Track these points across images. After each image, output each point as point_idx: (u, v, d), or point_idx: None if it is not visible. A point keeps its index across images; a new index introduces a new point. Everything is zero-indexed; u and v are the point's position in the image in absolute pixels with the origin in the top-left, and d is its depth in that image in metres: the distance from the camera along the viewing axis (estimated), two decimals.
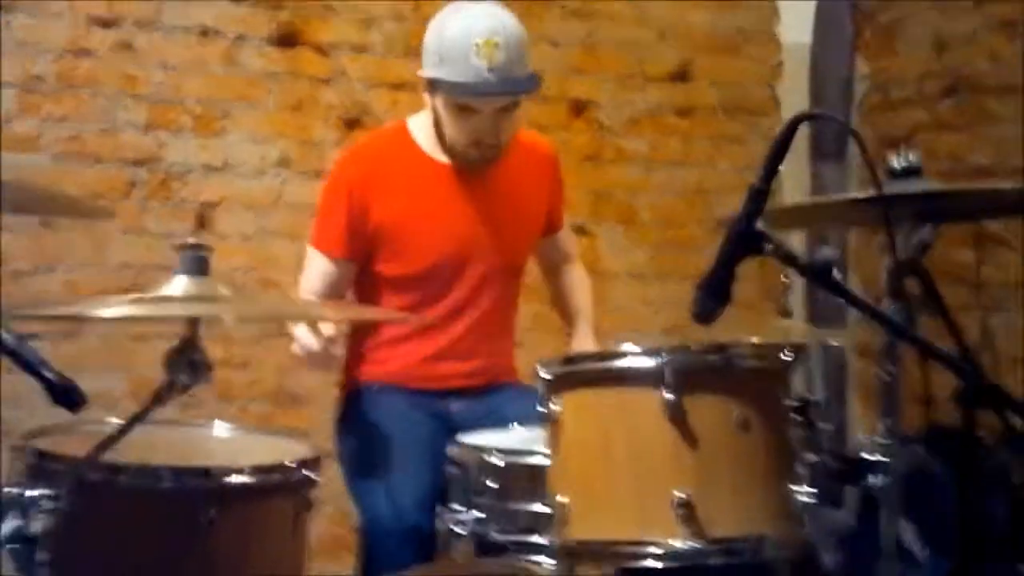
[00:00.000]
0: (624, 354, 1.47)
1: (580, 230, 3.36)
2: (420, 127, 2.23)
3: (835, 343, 1.83)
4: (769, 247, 1.36)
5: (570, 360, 1.53)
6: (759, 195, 1.36)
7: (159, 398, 1.35)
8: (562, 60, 3.42)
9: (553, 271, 2.46)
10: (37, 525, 1.22)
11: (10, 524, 1.19)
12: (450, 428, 2.04)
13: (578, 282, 2.46)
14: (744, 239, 1.38)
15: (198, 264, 1.37)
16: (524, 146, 2.29)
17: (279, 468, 1.71)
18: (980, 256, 3.06)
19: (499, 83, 2.03)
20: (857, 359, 3.36)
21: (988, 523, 2.74)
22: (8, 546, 1.22)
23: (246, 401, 3.02)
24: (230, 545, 1.63)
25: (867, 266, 3.64)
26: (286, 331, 3.04)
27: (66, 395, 1.69)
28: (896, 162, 1.60)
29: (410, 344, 2.23)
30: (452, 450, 1.89)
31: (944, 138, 3.34)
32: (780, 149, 1.34)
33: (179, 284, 1.37)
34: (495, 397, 2.24)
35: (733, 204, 1.34)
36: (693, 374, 1.43)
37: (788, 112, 3.72)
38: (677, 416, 1.41)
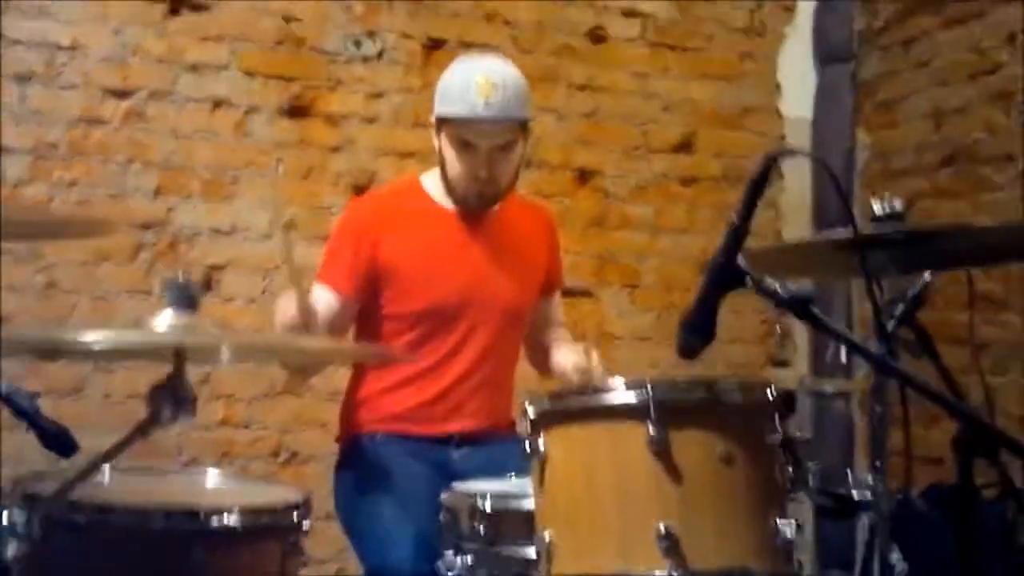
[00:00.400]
0: (610, 389, 1.48)
1: (585, 293, 3.40)
2: (430, 179, 2.33)
3: (832, 390, 1.82)
4: (749, 282, 1.38)
5: (557, 396, 1.53)
6: (737, 232, 1.39)
7: (141, 431, 1.36)
8: (568, 131, 3.50)
9: (539, 333, 2.46)
10: (11, 550, 1.21)
11: None
12: (449, 477, 2.05)
13: (567, 339, 2.47)
14: (724, 275, 1.40)
15: (185, 298, 1.39)
16: (524, 205, 2.43)
17: (268, 511, 1.70)
18: (975, 313, 3.06)
19: (494, 116, 2.14)
20: (861, 412, 3.37)
21: None
22: None
23: (247, 460, 3.02)
24: None
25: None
26: (288, 390, 3.13)
27: (58, 441, 1.72)
28: (879, 207, 1.63)
29: (409, 388, 2.25)
30: (444, 497, 1.90)
31: (943, 205, 3.38)
32: (757, 186, 1.37)
33: (166, 317, 1.38)
34: (494, 448, 2.25)
35: None
36: (678, 408, 1.44)
37: (791, 184, 3.78)
38: (661, 450, 1.42)
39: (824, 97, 3.83)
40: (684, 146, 3.67)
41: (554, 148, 3.46)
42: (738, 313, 3.52)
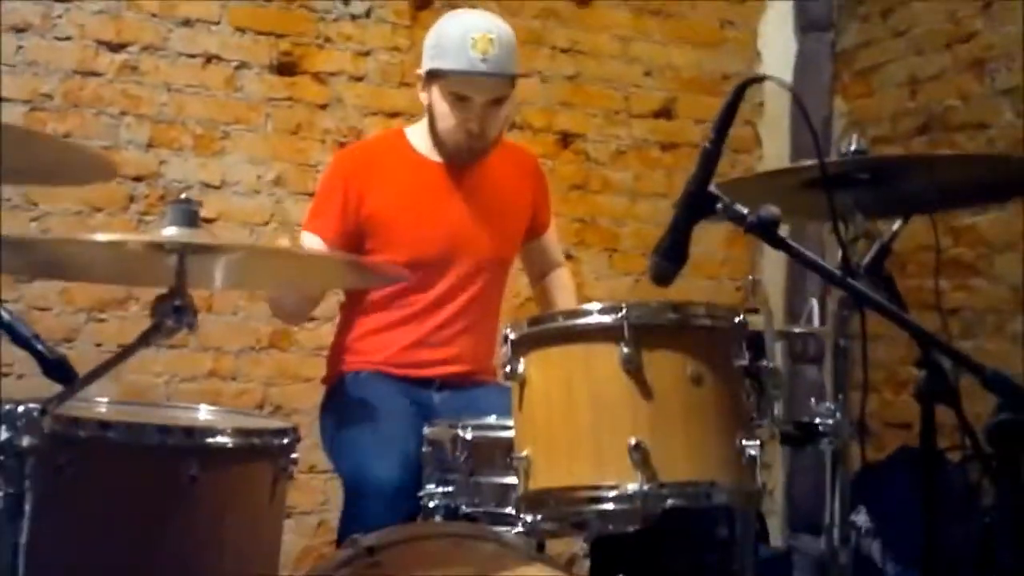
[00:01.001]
0: (586, 312, 1.56)
1: (566, 255, 3.47)
2: (415, 132, 2.39)
3: (800, 331, 1.91)
4: (720, 207, 1.46)
5: (536, 320, 1.61)
6: (710, 157, 1.46)
7: (145, 339, 1.43)
8: (550, 95, 3.56)
9: (540, 276, 2.58)
10: (27, 439, 1.28)
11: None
12: (430, 418, 2.11)
13: (564, 283, 2.57)
14: (697, 200, 1.47)
15: (187, 215, 1.46)
16: (508, 149, 2.48)
17: (259, 432, 1.78)
18: (943, 279, 3.16)
19: (492, 71, 2.20)
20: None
21: (956, 546, 2.79)
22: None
23: None
24: (211, 504, 1.69)
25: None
26: (274, 345, 3.20)
27: (57, 367, 1.78)
28: (845, 145, 1.70)
29: (394, 333, 2.32)
30: (427, 431, 1.97)
31: None
32: (729, 112, 1.44)
33: (169, 232, 1.45)
34: (476, 392, 2.33)
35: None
36: (650, 330, 1.52)
37: (770, 150, 3.87)
38: (634, 368, 1.49)
39: (803, 65, 3.91)
40: (664, 112, 3.74)
41: (537, 111, 3.53)
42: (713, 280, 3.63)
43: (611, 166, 3.63)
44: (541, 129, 3.53)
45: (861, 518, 3.27)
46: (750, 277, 1.71)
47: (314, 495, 3.12)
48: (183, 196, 1.47)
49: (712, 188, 1.47)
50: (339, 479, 2.28)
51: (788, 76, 3.90)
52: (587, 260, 3.54)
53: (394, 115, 3.29)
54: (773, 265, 3.69)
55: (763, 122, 3.87)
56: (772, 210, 1.43)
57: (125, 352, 1.44)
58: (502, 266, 2.43)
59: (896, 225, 1.86)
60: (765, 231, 1.42)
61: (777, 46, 3.92)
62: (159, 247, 1.48)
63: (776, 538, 3.56)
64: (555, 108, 3.57)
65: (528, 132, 3.49)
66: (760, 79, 1.68)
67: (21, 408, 1.29)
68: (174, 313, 1.44)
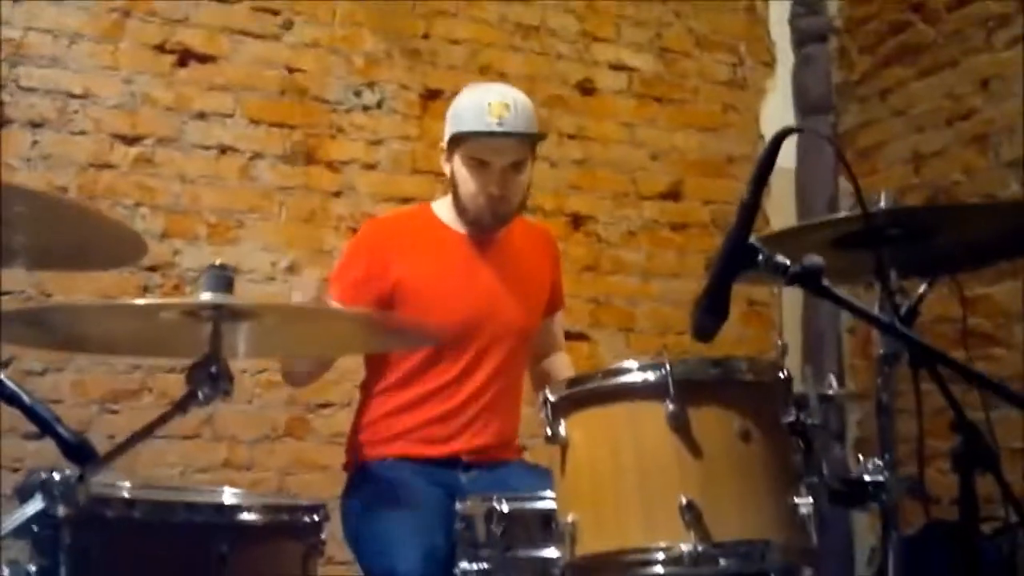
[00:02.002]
0: (628, 370, 1.53)
1: (581, 336, 3.46)
2: (441, 205, 2.41)
3: (831, 392, 1.88)
4: (761, 259, 1.45)
5: (576, 381, 1.58)
6: (748, 210, 1.46)
7: (181, 407, 1.40)
8: (559, 178, 3.60)
9: (540, 358, 2.54)
10: (63, 508, 1.23)
11: (35, 505, 1.21)
12: (460, 499, 2.07)
13: (567, 364, 2.55)
14: (737, 253, 1.46)
15: (223, 282, 1.44)
16: (526, 225, 2.50)
17: (288, 508, 1.74)
18: (967, 351, 3.14)
19: (507, 133, 2.23)
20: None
21: None
22: (33, 529, 1.23)
23: None
24: None
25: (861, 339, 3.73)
26: (290, 433, 3.15)
27: (79, 450, 1.75)
28: (873, 204, 1.70)
29: (418, 410, 2.28)
30: (459, 506, 1.91)
31: None
32: (767, 163, 1.44)
33: (204, 296, 1.43)
34: (504, 469, 2.28)
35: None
36: (694, 386, 1.49)
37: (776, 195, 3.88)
38: (681, 425, 1.46)
39: (806, 147, 3.96)
40: (672, 193, 3.78)
41: (547, 194, 3.56)
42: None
43: (623, 247, 3.65)
44: (552, 212, 3.55)
45: None
46: (779, 341, 1.68)
47: None
48: (218, 263, 1.46)
49: (752, 241, 1.46)
50: (360, 572, 2.20)
51: (792, 158, 3.96)
52: (603, 340, 3.52)
53: (406, 201, 3.30)
54: (789, 338, 3.67)
55: (770, 203, 3.89)
56: (815, 259, 1.41)
57: (160, 420, 1.41)
58: (526, 339, 2.41)
59: (922, 288, 1.86)
60: (809, 281, 1.41)
61: (779, 129, 3.97)
62: (194, 313, 1.46)
63: None
64: (565, 191, 3.60)
65: (539, 215, 3.50)
66: (797, 130, 1.68)
67: (57, 476, 1.24)
68: (209, 380, 1.41)
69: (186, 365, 1.46)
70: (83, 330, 1.57)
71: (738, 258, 1.46)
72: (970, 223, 1.72)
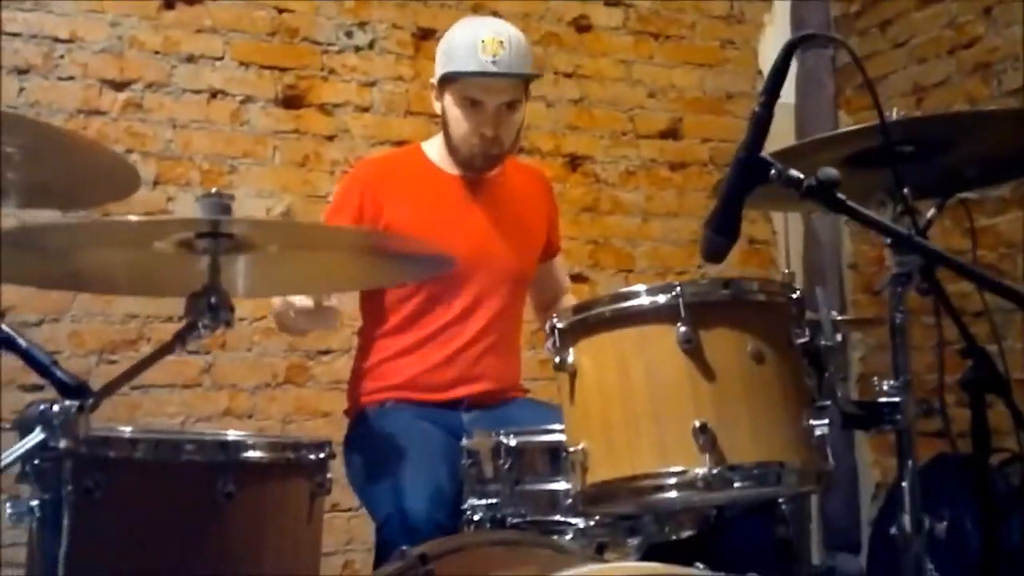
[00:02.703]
0: (637, 293, 1.49)
1: (580, 277, 3.42)
2: (432, 146, 2.35)
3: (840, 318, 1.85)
4: (773, 173, 1.41)
5: (583, 307, 1.54)
6: (761, 122, 1.42)
7: (181, 339, 1.36)
8: (556, 118, 3.54)
9: (550, 302, 2.51)
10: (64, 441, 1.20)
11: (35, 437, 1.18)
12: (461, 440, 2.04)
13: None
14: (749, 168, 1.42)
15: (220, 209, 1.40)
16: (522, 168, 2.46)
17: (294, 446, 1.70)
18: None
19: (503, 72, 2.16)
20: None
21: (1008, 547, 2.71)
22: (34, 463, 1.20)
23: None
24: (248, 520, 1.61)
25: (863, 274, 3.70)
26: (291, 380, 3.12)
27: (79, 392, 1.71)
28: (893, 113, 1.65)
29: (416, 355, 2.25)
30: (466, 443, 1.89)
31: None
32: (779, 73, 1.40)
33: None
34: (506, 408, 2.25)
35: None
36: (705, 307, 1.45)
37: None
38: (693, 348, 1.43)
39: (805, 82, 3.90)
40: (671, 132, 3.73)
41: (544, 135, 3.51)
42: None
43: (621, 187, 3.60)
44: (549, 153, 3.50)
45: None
46: (786, 270, 1.64)
47: (338, 535, 3.02)
48: (213, 190, 1.41)
49: (764, 155, 1.42)
50: (364, 517, 2.18)
51: (791, 93, 3.90)
52: (602, 281, 3.48)
53: (401, 144, 3.24)
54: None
55: (769, 138, 3.84)
56: (830, 172, 1.38)
57: (160, 352, 1.37)
58: (523, 281, 2.37)
59: (931, 212, 1.82)
60: (825, 194, 1.37)
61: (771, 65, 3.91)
62: (190, 244, 1.41)
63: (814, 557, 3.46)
64: (562, 131, 3.55)
65: (536, 156, 3.46)
66: (809, 36, 1.63)
67: (56, 407, 1.21)
68: (209, 311, 1.37)
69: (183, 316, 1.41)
70: (78, 261, 1.52)
71: (750, 173, 1.42)
72: (989, 132, 1.66)
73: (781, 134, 4.29)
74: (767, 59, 3.93)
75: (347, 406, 2.37)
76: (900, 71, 3.67)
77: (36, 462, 1.22)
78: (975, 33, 3.43)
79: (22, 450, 1.14)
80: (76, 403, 1.21)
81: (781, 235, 3.82)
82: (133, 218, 1.39)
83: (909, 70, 3.64)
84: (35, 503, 1.24)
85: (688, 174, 3.71)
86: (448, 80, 2.21)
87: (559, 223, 2.53)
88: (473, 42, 2.17)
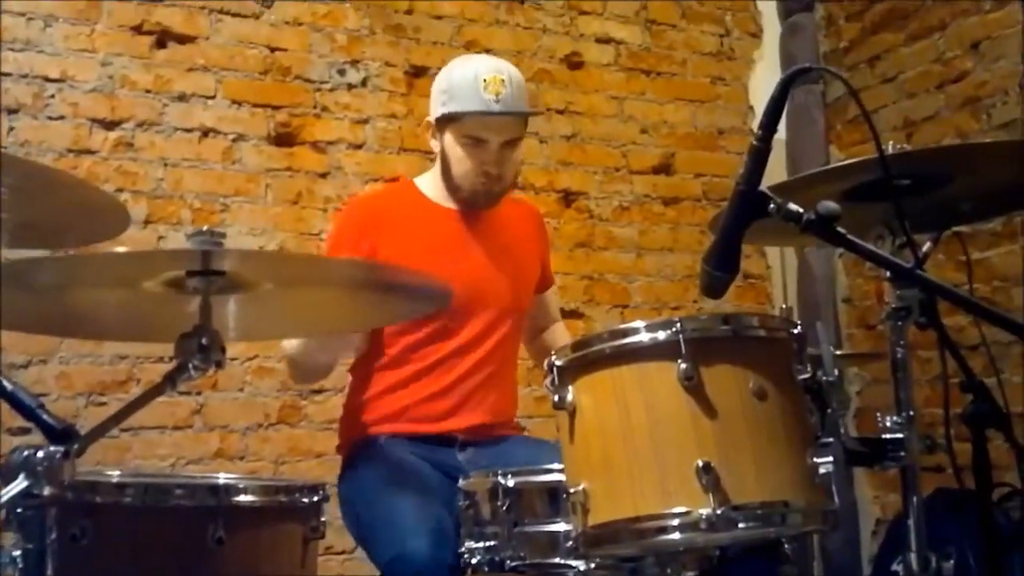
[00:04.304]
0: (636, 329, 1.47)
1: (575, 313, 3.41)
2: (425, 181, 2.34)
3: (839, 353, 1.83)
4: (772, 207, 1.39)
5: (581, 344, 1.52)
6: (759, 155, 1.40)
7: (171, 380, 1.33)
8: (550, 155, 3.54)
9: (539, 331, 2.50)
10: (48, 488, 1.16)
11: (19, 484, 1.14)
12: (457, 479, 2.00)
13: (565, 333, 2.51)
14: (748, 201, 1.40)
15: (211, 246, 1.37)
16: (515, 202, 2.45)
17: (287, 489, 1.67)
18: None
19: (506, 111, 2.16)
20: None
21: None
22: (16, 511, 1.16)
23: None
24: (239, 566, 1.58)
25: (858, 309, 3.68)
26: (284, 421, 3.08)
27: (65, 436, 1.68)
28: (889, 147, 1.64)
29: (412, 387, 2.22)
30: (463, 483, 1.86)
31: None
32: (776, 106, 1.39)
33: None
34: (502, 446, 2.23)
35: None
36: (706, 343, 1.43)
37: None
38: (694, 385, 1.40)
39: (796, 118, 3.91)
40: (663, 167, 3.73)
41: (538, 171, 3.50)
42: None
43: (615, 222, 3.59)
44: (543, 188, 3.49)
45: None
46: (783, 305, 1.62)
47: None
48: (204, 228, 1.39)
49: (763, 188, 1.40)
50: (358, 561, 2.13)
51: (782, 129, 3.89)
52: (598, 317, 3.46)
53: (393, 180, 3.23)
54: None
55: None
56: (830, 206, 1.36)
57: (148, 395, 1.34)
58: (519, 315, 2.35)
59: (927, 246, 1.81)
60: (825, 228, 1.35)
61: (768, 100, 3.92)
62: (180, 284, 1.39)
63: None
64: (555, 168, 3.54)
65: (530, 192, 3.45)
66: (807, 69, 1.62)
67: (40, 453, 1.17)
68: (200, 351, 1.34)
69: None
70: (67, 303, 1.49)
71: (749, 206, 1.41)
72: (985, 166, 1.65)
73: (772, 170, 4.30)
74: (757, 95, 3.96)
75: (339, 442, 2.33)
76: (890, 106, 3.68)
77: (19, 510, 1.18)
78: (963, 68, 3.44)
79: (4, 498, 1.10)
80: (61, 448, 1.17)
81: (776, 270, 3.82)
82: (121, 249, 1.36)
83: (899, 105, 3.66)
84: (17, 553, 1.20)
85: (681, 209, 3.70)
86: (449, 119, 2.20)
87: (552, 257, 2.52)
88: (474, 81, 2.16)
